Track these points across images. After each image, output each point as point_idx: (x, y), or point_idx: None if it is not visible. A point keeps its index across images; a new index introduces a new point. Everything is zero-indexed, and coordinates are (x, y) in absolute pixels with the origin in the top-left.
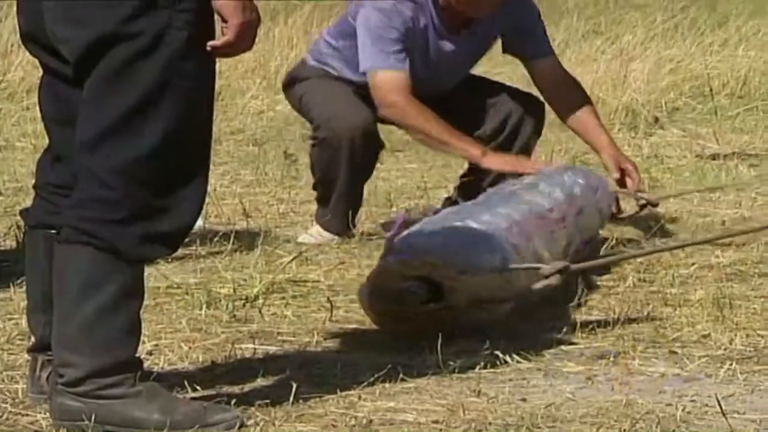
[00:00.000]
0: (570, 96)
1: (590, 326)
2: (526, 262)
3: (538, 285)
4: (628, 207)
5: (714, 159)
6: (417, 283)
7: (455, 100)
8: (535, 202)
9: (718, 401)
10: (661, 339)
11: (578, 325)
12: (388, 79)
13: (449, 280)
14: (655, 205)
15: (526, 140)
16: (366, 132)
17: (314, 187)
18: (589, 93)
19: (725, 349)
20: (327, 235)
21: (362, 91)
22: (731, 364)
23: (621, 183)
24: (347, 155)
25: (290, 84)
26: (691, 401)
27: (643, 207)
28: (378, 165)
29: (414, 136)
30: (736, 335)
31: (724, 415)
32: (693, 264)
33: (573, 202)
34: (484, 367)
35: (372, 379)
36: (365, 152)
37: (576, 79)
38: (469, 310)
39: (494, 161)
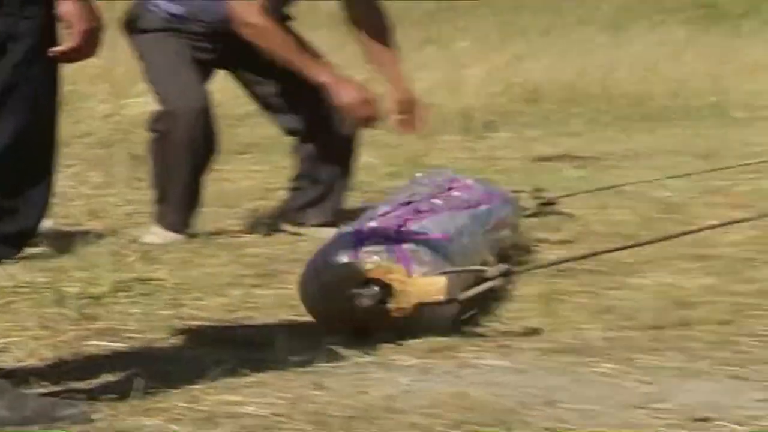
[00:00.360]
0: (372, 32)
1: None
2: (470, 265)
3: (482, 287)
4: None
5: (543, 161)
6: (369, 285)
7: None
8: (477, 219)
9: (546, 392)
10: (493, 333)
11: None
12: (247, 2)
13: (399, 282)
14: (553, 204)
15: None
16: (201, 113)
17: (153, 186)
18: (424, 99)
19: (553, 342)
20: (169, 234)
21: (199, 47)
22: (558, 357)
23: (405, 124)
24: (185, 139)
25: (129, 29)
26: (521, 392)
27: (541, 206)
28: (223, 167)
29: (270, 55)
30: (563, 329)
31: (551, 405)
32: (524, 261)
33: (502, 224)
34: (325, 362)
35: (216, 373)
36: (202, 135)
37: (385, 17)
38: (417, 310)
39: (343, 90)
